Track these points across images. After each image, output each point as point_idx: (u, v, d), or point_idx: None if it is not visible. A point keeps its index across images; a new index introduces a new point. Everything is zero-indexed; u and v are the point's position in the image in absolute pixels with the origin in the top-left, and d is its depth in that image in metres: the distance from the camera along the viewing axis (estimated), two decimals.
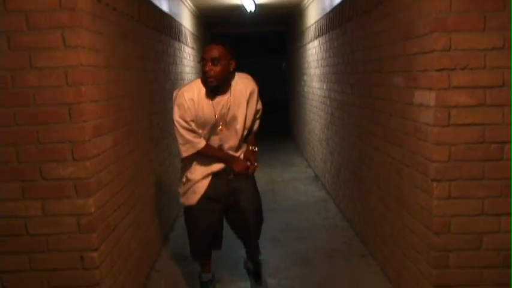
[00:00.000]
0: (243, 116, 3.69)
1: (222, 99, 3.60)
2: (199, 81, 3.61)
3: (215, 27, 12.44)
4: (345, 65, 5.70)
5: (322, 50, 7.37)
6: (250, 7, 8.26)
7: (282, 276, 4.42)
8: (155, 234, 4.83)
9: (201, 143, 3.62)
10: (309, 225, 5.83)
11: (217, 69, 3.46)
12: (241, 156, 3.85)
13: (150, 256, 4.59)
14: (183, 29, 7.22)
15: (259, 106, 3.91)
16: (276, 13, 10.44)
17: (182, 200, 3.90)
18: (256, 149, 3.94)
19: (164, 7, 5.76)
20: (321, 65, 7.52)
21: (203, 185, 3.75)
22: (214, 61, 3.45)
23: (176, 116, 3.54)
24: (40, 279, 3.11)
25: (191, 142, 3.59)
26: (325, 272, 4.49)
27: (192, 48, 8.15)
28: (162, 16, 5.54)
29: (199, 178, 3.74)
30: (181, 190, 3.89)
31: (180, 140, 3.61)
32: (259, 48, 13.69)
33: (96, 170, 3.11)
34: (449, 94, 3.02)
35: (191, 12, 8.41)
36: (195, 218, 3.86)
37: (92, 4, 3.13)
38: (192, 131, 3.56)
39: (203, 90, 3.56)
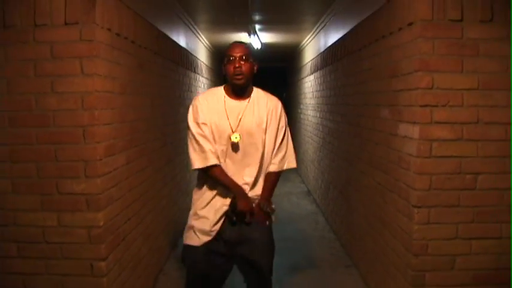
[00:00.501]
0: (263, 128, 2.75)
1: (240, 104, 2.76)
2: (218, 87, 2.85)
3: None
4: (336, 97, 5.46)
5: (316, 83, 7.15)
6: (257, 45, 8.08)
7: (274, 283, 4.10)
8: (165, 241, 4.55)
9: (214, 160, 2.68)
10: (301, 236, 5.52)
11: (247, 66, 2.70)
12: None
13: (159, 261, 4.30)
14: (198, 61, 7.00)
15: (282, 123, 2.84)
16: (279, 51, 10.27)
17: (186, 235, 2.85)
18: (273, 206, 2.79)
19: (182, 42, 5.55)
20: (316, 96, 7.29)
21: (216, 228, 2.73)
22: (243, 58, 2.69)
23: (189, 120, 2.74)
24: (55, 282, 2.83)
25: (205, 153, 2.67)
26: (314, 281, 4.19)
27: (207, 78, 7.94)
28: (179, 50, 5.32)
29: (210, 215, 2.74)
30: (188, 223, 2.85)
31: (193, 147, 2.71)
32: (264, 81, 13.51)
33: (107, 186, 2.86)
34: (431, 128, 2.76)
35: (206, 48, 8.21)
36: (196, 262, 2.80)
37: (111, 37, 2.91)
38: (206, 138, 2.68)
39: (222, 94, 2.77)
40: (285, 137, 2.86)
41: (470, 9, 2.72)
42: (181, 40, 5.57)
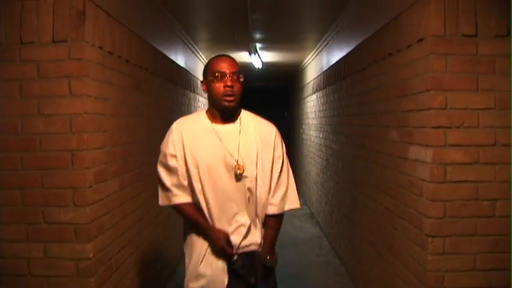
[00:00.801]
0: (252, 161, 2.25)
1: (233, 129, 2.30)
2: (199, 112, 2.42)
3: None
4: (340, 117, 5.29)
5: (319, 103, 6.99)
6: (258, 64, 7.96)
7: None
8: (162, 269, 4.33)
9: (178, 199, 2.27)
10: (304, 261, 5.30)
11: (238, 86, 2.24)
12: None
13: None
14: (198, 81, 6.85)
15: (279, 153, 2.33)
16: (281, 70, 10.15)
17: None
18: (276, 254, 2.36)
19: (180, 61, 5.40)
20: (318, 116, 7.13)
21: (221, 280, 2.23)
22: (234, 75, 2.22)
23: (161, 149, 2.35)
24: None
25: (168, 189, 2.29)
26: None
27: (206, 98, 7.78)
28: (177, 69, 5.17)
29: (208, 270, 2.25)
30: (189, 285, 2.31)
31: (158, 181, 2.34)
32: (265, 100, 13.37)
33: (98, 214, 2.67)
34: (445, 151, 2.57)
35: None
36: None
37: (102, 55, 2.75)
38: (171, 171, 2.26)
39: (206, 120, 2.31)
40: (284, 170, 2.36)
41: (484, 23, 2.56)
42: (180, 59, 5.43)
